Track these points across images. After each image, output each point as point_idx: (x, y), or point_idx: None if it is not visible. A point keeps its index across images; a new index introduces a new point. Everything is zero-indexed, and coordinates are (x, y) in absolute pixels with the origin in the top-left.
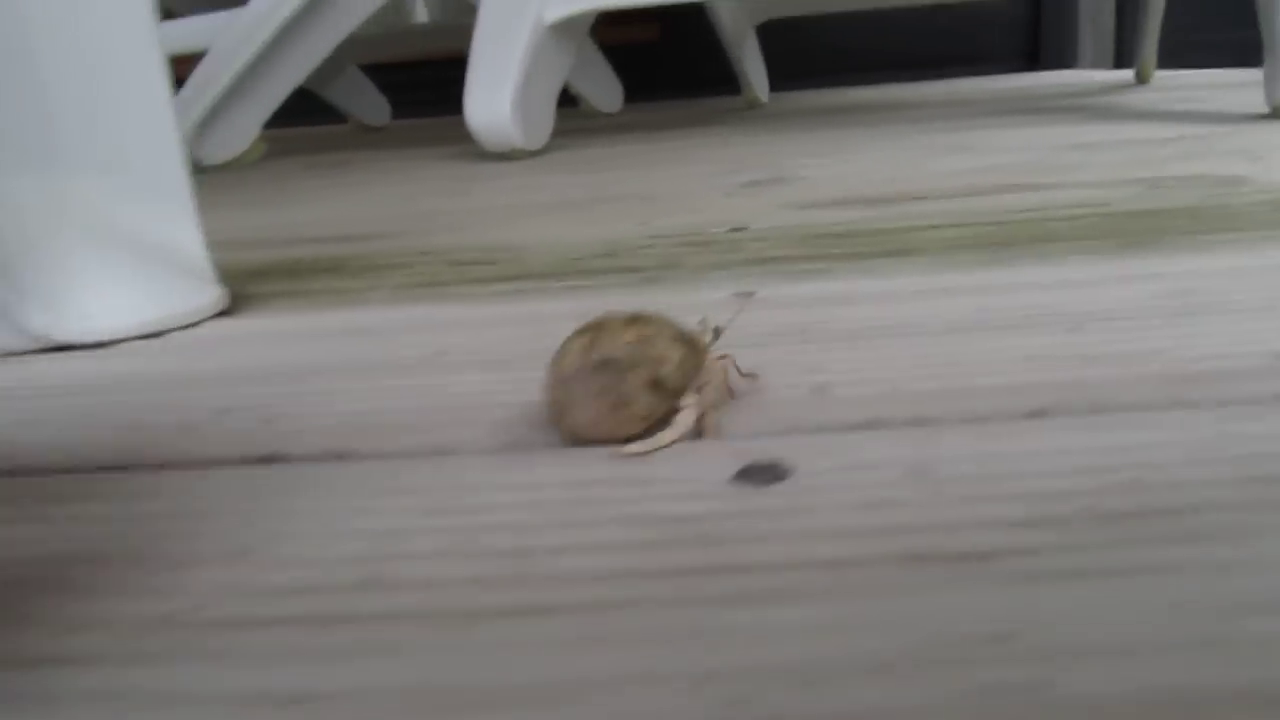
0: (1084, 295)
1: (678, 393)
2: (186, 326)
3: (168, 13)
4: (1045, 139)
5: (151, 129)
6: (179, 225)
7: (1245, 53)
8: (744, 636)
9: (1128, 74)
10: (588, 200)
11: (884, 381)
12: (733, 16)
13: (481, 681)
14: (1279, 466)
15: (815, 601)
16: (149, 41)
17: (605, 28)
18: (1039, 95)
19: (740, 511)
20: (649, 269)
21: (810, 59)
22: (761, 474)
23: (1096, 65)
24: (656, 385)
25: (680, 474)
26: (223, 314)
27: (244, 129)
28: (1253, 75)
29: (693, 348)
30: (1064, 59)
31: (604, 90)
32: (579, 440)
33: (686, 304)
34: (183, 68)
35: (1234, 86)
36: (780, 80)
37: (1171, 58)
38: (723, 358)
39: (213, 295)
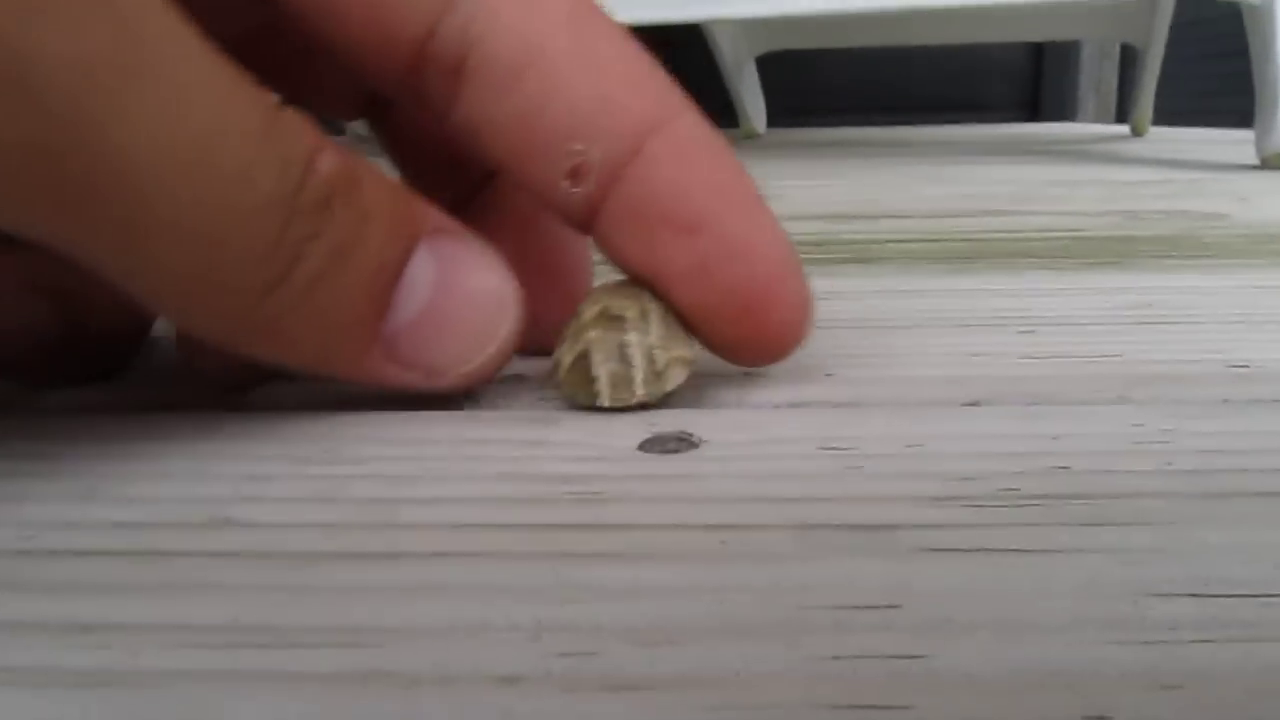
0: (1043, 302)
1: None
2: None
3: None
4: (1032, 175)
5: None
6: None
7: (1248, 119)
8: (601, 592)
9: (1125, 129)
10: None
11: (820, 368)
12: (733, 44)
13: (299, 621)
14: (1214, 462)
15: (690, 563)
16: None
17: None
18: (1033, 140)
19: (636, 475)
20: None
21: (810, 97)
22: (669, 442)
23: (1099, 120)
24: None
25: (585, 439)
26: None
27: None
28: (1247, 135)
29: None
30: (1064, 112)
31: None
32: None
33: None
34: None
35: (1228, 143)
36: (779, 116)
37: (1176, 119)
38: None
39: None
